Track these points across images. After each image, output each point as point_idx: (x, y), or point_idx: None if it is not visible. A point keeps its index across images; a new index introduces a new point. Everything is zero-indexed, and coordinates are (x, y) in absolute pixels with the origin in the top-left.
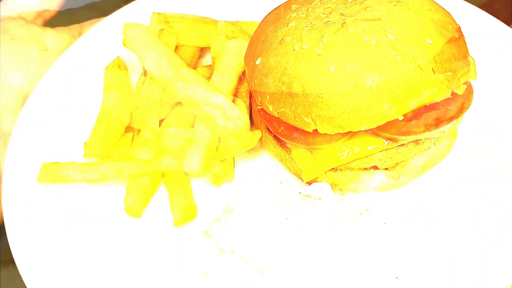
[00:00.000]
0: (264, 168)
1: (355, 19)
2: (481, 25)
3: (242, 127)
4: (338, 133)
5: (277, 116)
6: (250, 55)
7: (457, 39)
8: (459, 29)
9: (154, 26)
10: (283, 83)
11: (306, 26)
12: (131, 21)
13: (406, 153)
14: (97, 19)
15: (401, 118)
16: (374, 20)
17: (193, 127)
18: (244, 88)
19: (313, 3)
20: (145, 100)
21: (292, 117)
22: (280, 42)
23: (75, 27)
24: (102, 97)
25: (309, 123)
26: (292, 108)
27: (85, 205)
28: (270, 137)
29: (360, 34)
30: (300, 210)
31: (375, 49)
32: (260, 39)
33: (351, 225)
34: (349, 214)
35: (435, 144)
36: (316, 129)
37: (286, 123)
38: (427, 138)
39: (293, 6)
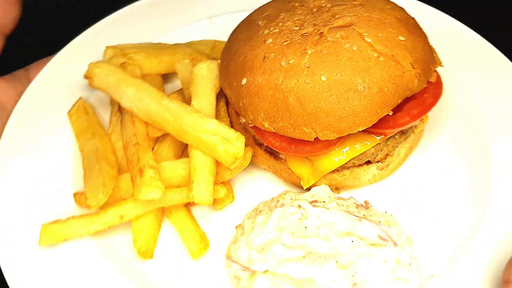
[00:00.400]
0: (258, 183)
1: (329, 28)
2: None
3: (242, 147)
4: (338, 138)
5: (274, 131)
6: (230, 76)
7: (420, 31)
8: (416, 22)
9: (113, 60)
10: (277, 99)
11: (285, 41)
12: (79, 59)
13: (394, 144)
14: (42, 61)
15: (391, 113)
16: (348, 26)
17: (181, 156)
18: (222, 108)
19: (280, 17)
20: (134, 139)
21: (291, 129)
22: (263, 60)
23: (21, 73)
24: (71, 143)
25: (309, 132)
26: (291, 121)
27: (93, 259)
28: (261, 151)
29: (340, 42)
30: (315, 216)
31: (358, 54)
32: (237, 60)
33: (361, 220)
34: (355, 210)
35: (413, 130)
36: (317, 137)
37: (283, 136)
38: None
39: (260, 23)
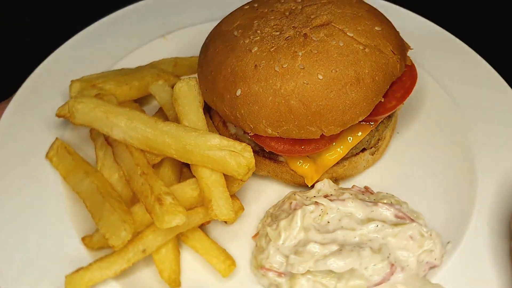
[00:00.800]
0: (259, 190)
1: (310, 28)
2: None
3: (252, 156)
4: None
5: (277, 135)
6: (220, 90)
7: (388, 20)
8: (381, 12)
9: (85, 93)
10: (278, 104)
11: (271, 47)
12: (41, 95)
13: (383, 128)
14: (2, 104)
15: (383, 100)
16: (327, 24)
17: (180, 178)
18: (208, 122)
19: (255, 25)
20: (139, 170)
21: (297, 131)
22: (255, 68)
23: None
24: (58, 187)
25: (315, 131)
26: (296, 123)
27: None
28: (260, 158)
29: (326, 40)
30: (335, 210)
31: (346, 48)
32: (225, 73)
33: (377, 204)
34: (364, 197)
35: (394, 113)
36: (322, 134)
37: (286, 139)
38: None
39: (236, 33)
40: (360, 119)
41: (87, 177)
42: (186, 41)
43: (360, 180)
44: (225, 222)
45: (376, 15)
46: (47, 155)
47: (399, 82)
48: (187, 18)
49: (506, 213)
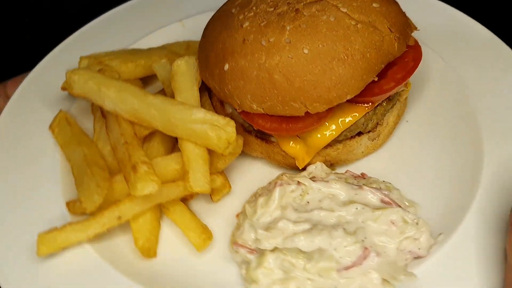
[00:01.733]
0: (252, 171)
1: (304, 4)
2: None
3: (234, 131)
4: (327, 110)
5: (263, 112)
6: (211, 66)
7: None
8: None
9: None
10: (262, 78)
11: (261, 22)
12: (56, 72)
13: (382, 112)
14: (19, 77)
15: (376, 79)
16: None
17: (172, 152)
18: (206, 101)
19: (253, 2)
20: (122, 139)
21: (281, 107)
22: (243, 43)
23: None
24: (57, 155)
25: (299, 107)
26: (279, 98)
27: (95, 265)
28: (252, 138)
29: (317, 15)
30: (316, 190)
31: (337, 24)
32: (216, 48)
33: (362, 187)
34: (354, 181)
35: (399, 98)
36: (307, 112)
37: (272, 116)
38: (396, 93)
39: (233, 11)
40: (349, 98)
41: (79, 147)
42: (203, 27)
43: (358, 167)
44: (212, 199)
45: None
46: (50, 126)
47: (401, 63)
48: (205, 4)
49: (505, 211)
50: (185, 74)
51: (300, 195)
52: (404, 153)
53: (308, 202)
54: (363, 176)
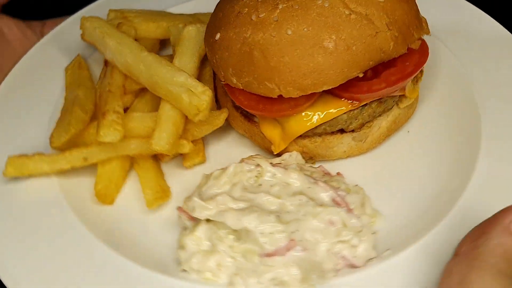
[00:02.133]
0: (234, 147)
1: None
2: None
3: (207, 101)
4: (303, 97)
5: (241, 87)
6: (209, 33)
7: None
8: None
9: (111, 21)
10: (243, 52)
11: None
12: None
13: (370, 113)
14: (59, 19)
15: (361, 75)
16: None
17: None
18: (207, 72)
19: None
20: (107, 87)
21: (256, 85)
22: (237, 15)
23: (37, 25)
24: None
25: (273, 88)
26: (255, 75)
27: (51, 196)
28: (238, 115)
29: None
30: (271, 175)
31: (329, 10)
32: (218, 17)
33: (318, 183)
34: (320, 177)
35: (397, 104)
36: (281, 95)
37: (251, 94)
38: (389, 96)
39: None
40: (325, 88)
41: (77, 89)
42: None
43: (338, 166)
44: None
45: None
46: (66, 68)
47: (399, 65)
48: None
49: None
50: (192, 40)
51: (256, 176)
52: (391, 163)
53: (260, 185)
54: (338, 174)
